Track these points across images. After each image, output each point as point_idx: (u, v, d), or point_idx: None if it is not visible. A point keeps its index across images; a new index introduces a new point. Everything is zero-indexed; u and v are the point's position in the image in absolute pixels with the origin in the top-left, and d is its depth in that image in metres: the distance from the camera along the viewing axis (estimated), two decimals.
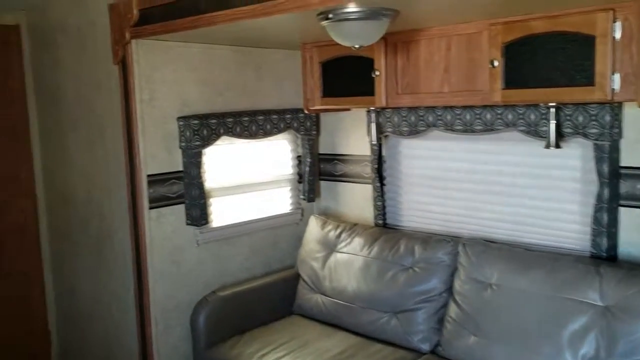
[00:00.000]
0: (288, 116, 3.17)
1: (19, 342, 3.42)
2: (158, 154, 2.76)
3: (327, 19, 2.07)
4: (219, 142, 2.88)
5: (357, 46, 2.19)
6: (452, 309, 2.58)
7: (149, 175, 2.73)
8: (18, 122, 3.35)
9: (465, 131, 2.72)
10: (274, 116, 3.10)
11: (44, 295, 3.52)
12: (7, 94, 3.30)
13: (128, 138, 2.74)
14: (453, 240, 2.73)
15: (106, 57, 2.75)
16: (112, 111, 2.81)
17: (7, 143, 3.31)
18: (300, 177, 3.39)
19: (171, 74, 2.77)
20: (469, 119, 2.68)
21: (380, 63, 2.71)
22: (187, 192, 2.83)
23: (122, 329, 3.00)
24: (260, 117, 3.03)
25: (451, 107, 2.73)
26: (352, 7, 2.00)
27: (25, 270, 3.43)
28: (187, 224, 2.87)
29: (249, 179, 3.15)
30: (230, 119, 2.89)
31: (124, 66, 2.68)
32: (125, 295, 2.91)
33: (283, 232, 3.34)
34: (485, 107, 2.60)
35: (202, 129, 2.78)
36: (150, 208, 2.75)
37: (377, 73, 2.72)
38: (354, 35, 2.15)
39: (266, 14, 2.04)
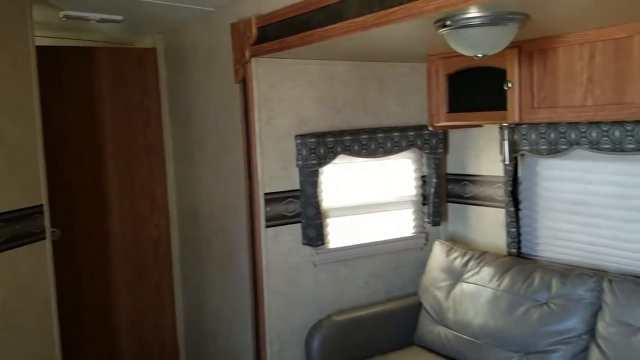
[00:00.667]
0: (411, 133, 2.99)
1: (152, 353, 3.58)
2: (275, 172, 2.73)
3: (445, 26, 1.88)
4: (337, 160, 2.79)
5: (480, 55, 1.97)
6: (594, 355, 2.22)
7: (266, 194, 2.71)
8: (155, 141, 3.54)
9: (613, 150, 2.35)
10: (396, 134, 2.94)
11: (173, 307, 3.66)
12: (145, 113, 3.50)
13: (247, 156, 2.74)
14: (597, 275, 2.36)
15: (229, 77, 2.79)
16: (234, 130, 2.83)
17: (145, 161, 3.51)
18: (424, 198, 3.17)
19: (289, 91, 2.73)
20: (619, 136, 2.32)
21: (513, 74, 2.44)
22: (304, 211, 2.76)
23: (241, 348, 3.00)
24: (380, 135, 2.88)
25: (597, 123, 2.38)
26: (473, 12, 1.80)
27: (157, 282, 3.59)
28: (304, 244, 2.80)
29: (368, 199, 3.01)
30: (347, 137, 2.78)
31: (245, 85, 2.69)
32: (244, 313, 2.91)
33: (405, 256, 3.15)
34: (638, 122, 2.23)
35: (319, 147, 2.70)
36: (267, 226, 2.72)
37: (510, 85, 2.45)
38: (476, 44, 1.94)
39: (378, 24, 1.91)
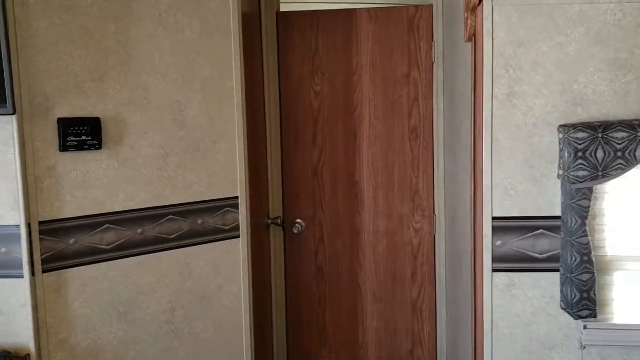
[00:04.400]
0: None
1: None
2: (516, 184, 1.68)
3: None
4: (632, 174, 1.55)
5: None
6: None
7: (496, 218, 1.70)
8: (422, 124, 2.78)
9: None
10: None
11: (435, 334, 2.89)
12: (413, 89, 2.77)
13: (473, 156, 1.77)
14: None
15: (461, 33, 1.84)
16: (463, 113, 1.88)
17: (408, 148, 2.80)
18: None
19: (553, 51, 1.62)
20: None
21: None
22: (563, 255, 1.64)
23: None
24: None
25: None
26: None
27: (415, 300, 2.88)
28: (562, 309, 1.68)
29: None
30: None
31: (475, 44, 1.71)
32: None
33: None
34: None
35: (595, 147, 1.53)
36: (496, 270, 1.72)
37: None
38: None
39: None
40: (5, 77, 1.58)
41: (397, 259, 2.87)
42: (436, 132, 2.77)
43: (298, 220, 2.85)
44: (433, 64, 2.74)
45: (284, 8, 2.79)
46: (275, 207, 2.82)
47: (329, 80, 2.80)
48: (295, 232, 2.84)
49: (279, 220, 2.78)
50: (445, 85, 2.70)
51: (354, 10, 2.76)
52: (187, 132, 2.03)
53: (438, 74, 2.74)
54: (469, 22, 1.70)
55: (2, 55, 1.57)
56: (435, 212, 2.81)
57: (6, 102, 1.59)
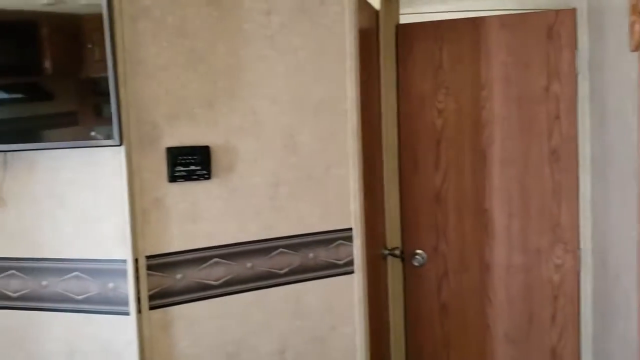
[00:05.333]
0: None
1: None
2: None
3: None
4: None
5: None
6: None
7: None
8: (564, 144, 2.43)
9: None
10: None
11: None
12: (552, 104, 2.43)
13: None
14: None
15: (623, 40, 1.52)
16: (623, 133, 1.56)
17: (548, 172, 2.45)
18: None
19: None
20: None
21: None
22: None
23: None
24: None
25: None
26: None
27: (555, 347, 2.52)
28: None
29: None
30: None
31: None
32: None
33: None
34: None
35: None
36: None
37: None
38: None
39: None
40: (112, 107, 1.51)
41: (533, 298, 2.52)
42: (581, 155, 2.40)
43: (418, 251, 2.60)
44: (577, 75, 2.39)
45: (403, 20, 2.58)
46: (393, 236, 2.59)
47: (453, 96, 2.54)
48: (416, 264, 2.59)
49: (397, 251, 2.55)
50: (592, 100, 2.33)
51: (482, 18, 2.48)
52: (298, 159, 1.88)
53: (583, 88, 2.38)
54: (637, 27, 1.39)
55: (110, 84, 1.51)
56: (581, 247, 2.43)
57: (113, 133, 1.52)
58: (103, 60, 1.50)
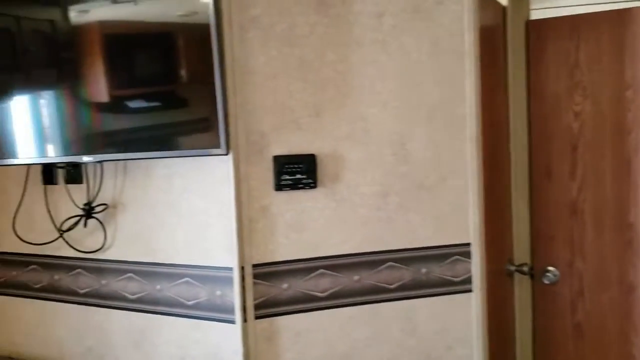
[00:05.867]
0: None
1: None
2: None
3: None
4: None
5: None
6: None
7: None
8: None
9: None
10: None
11: None
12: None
13: None
14: None
15: None
16: None
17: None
18: None
19: None
20: None
21: None
22: None
23: None
24: None
25: None
26: None
27: None
28: None
29: None
30: None
31: None
32: None
33: None
34: None
35: None
36: None
37: None
38: None
39: None
40: (219, 117, 1.53)
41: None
42: None
43: (550, 268, 2.36)
44: None
45: (534, 15, 2.36)
46: (521, 251, 2.38)
47: (592, 97, 2.27)
48: (547, 282, 2.36)
49: (525, 268, 2.33)
50: None
51: (628, 10, 2.19)
52: (409, 168, 1.78)
53: None
54: None
55: (216, 95, 1.52)
56: None
57: (220, 142, 1.53)
58: (211, 70, 1.52)
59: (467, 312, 1.86)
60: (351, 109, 1.73)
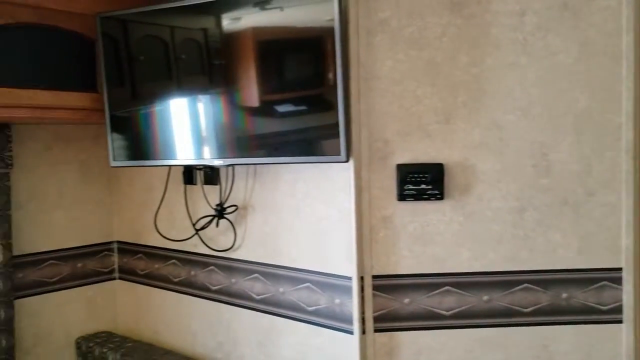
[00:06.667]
0: None
1: None
2: None
3: None
4: None
5: None
6: None
7: None
8: None
9: None
10: None
11: None
12: None
13: None
14: None
15: None
16: None
17: None
18: None
19: None
20: None
21: None
22: None
23: None
24: None
25: None
26: None
27: None
28: None
29: None
30: None
31: None
32: None
33: None
34: None
35: None
36: None
37: None
38: None
39: None
40: (340, 123, 1.50)
41: None
42: None
43: None
44: None
45: None
46: None
47: None
48: None
49: None
50: None
51: None
52: (551, 181, 1.61)
53: None
54: None
55: (339, 101, 1.49)
56: None
57: (340, 149, 1.50)
58: (335, 76, 1.49)
59: (616, 345, 1.63)
60: (485, 116, 1.60)
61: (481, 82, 1.60)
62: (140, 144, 1.85)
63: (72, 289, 2.21)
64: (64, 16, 1.82)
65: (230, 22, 1.68)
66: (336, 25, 1.46)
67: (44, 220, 2.13)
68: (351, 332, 1.62)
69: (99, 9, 1.84)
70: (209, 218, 1.92)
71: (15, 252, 2.02)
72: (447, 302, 1.63)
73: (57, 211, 2.16)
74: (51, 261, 2.15)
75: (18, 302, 2.04)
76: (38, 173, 2.11)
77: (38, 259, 2.12)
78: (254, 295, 1.86)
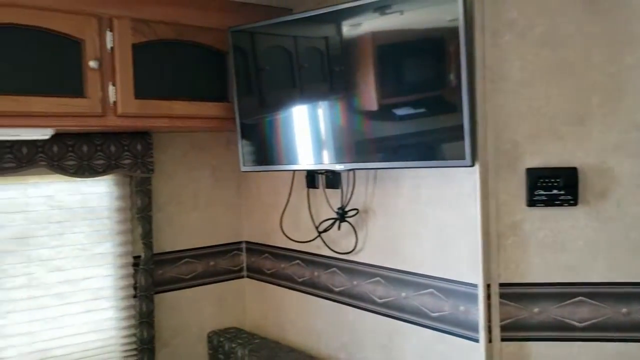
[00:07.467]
0: None
1: None
2: None
3: None
4: None
5: None
6: None
7: None
8: None
9: None
10: None
11: None
12: None
13: None
14: None
15: None
16: None
17: None
18: None
19: None
20: None
21: None
22: None
23: None
24: None
25: None
26: None
27: None
28: None
29: None
30: None
31: None
32: None
33: None
34: None
35: None
36: None
37: None
38: None
39: None
40: (465, 126, 1.47)
41: None
42: None
43: None
44: None
45: None
46: None
47: None
48: None
49: None
50: None
51: None
52: None
53: None
54: None
55: (463, 103, 1.47)
56: None
57: (465, 154, 1.48)
58: (458, 77, 1.47)
59: None
60: (624, 117, 1.50)
61: (618, 82, 1.50)
62: (267, 150, 1.94)
63: (204, 286, 2.36)
64: (199, 31, 1.94)
65: (350, 28, 1.71)
66: (461, 25, 1.44)
67: (181, 221, 2.29)
68: (477, 340, 1.59)
69: (230, 23, 1.95)
70: (331, 221, 1.97)
71: (155, 250, 2.19)
72: (580, 312, 1.55)
73: (193, 213, 2.32)
74: (187, 259, 2.31)
75: (157, 297, 2.20)
76: (176, 178, 2.27)
77: (175, 257, 2.28)
78: (376, 299, 1.88)
